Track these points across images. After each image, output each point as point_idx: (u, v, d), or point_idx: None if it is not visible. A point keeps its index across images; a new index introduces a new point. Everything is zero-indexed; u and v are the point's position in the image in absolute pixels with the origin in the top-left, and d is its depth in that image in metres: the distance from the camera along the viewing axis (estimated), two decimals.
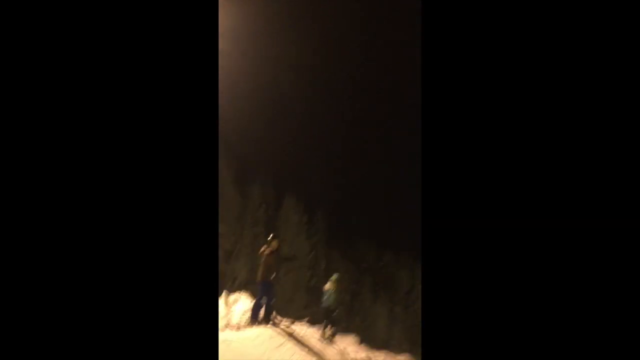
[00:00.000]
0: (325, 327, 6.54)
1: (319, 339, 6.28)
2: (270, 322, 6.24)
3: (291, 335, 5.89)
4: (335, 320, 6.67)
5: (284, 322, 6.67)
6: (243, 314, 6.31)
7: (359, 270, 36.71)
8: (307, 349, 5.24)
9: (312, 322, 7.42)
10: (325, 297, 6.64)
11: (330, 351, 5.57)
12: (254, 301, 6.56)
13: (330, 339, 6.44)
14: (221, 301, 6.61)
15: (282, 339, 5.35)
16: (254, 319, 6.23)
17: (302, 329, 6.48)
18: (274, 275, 6.26)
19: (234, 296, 7.37)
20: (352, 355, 6.13)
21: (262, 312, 6.34)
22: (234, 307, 6.61)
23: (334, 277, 6.85)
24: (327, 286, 6.73)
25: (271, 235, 6.53)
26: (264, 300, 6.32)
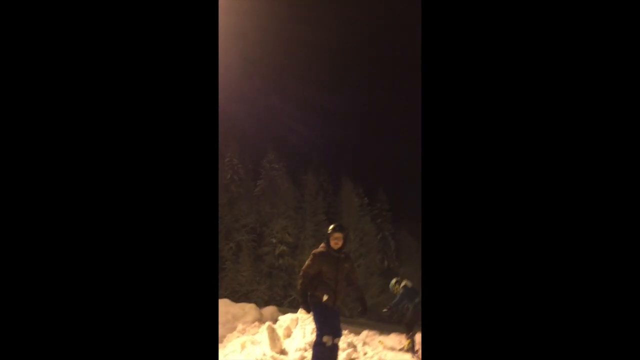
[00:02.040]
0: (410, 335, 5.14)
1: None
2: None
3: None
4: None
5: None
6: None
7: None
8: None
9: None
10: (398, 301, 5.39)
11: None
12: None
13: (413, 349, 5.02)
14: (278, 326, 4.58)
15: None
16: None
17: None
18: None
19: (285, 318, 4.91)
20: None
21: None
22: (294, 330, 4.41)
23: (396, 281, 5.58)
24: (397, 288, 5.49)
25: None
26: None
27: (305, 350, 3.74)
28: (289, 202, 22.40)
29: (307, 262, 2.85)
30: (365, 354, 4.12)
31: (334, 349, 2.62)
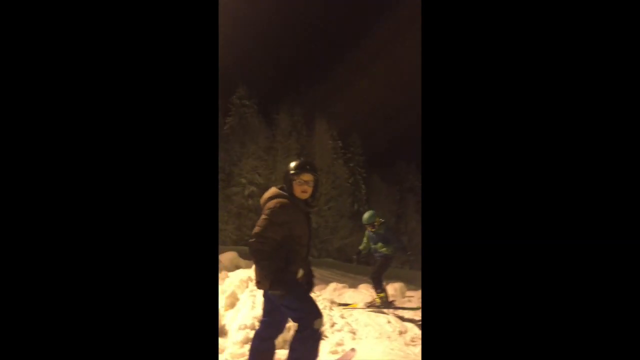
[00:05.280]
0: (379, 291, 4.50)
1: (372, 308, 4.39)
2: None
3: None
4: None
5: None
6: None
7: (402, 190, 35.77)
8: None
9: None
10: (369, 243, 4.59)
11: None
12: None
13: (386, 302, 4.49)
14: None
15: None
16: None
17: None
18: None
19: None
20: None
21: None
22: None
23: (369, 214, 4.52)
24: (369, 227, 4.50)
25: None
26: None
27: (253, 328, 2.54)
28: (260, 142, 21.45)
29: (264, 221, 1.73)
30: (332, 325, 3.22)
31: (318, 335, 1.78)
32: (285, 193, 1.83)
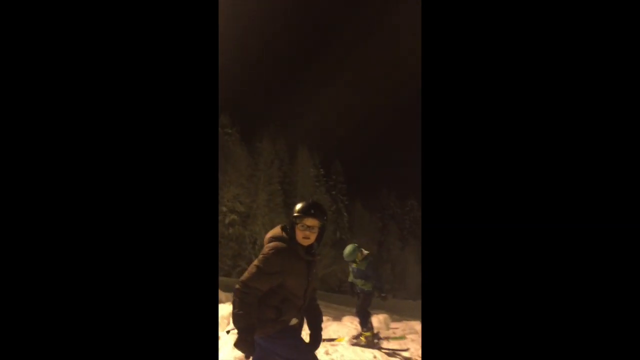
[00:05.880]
0: (365, 327, 4.29)
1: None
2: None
3: None
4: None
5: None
6: None
7: (384, 218, 35.91)
8: None
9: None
10: (352, 277, 4.45)
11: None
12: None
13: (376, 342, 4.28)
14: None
15: None
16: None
17: None
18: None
19: None
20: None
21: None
22: None
23: (350, 250, 4.28)
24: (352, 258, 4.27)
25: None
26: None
27: None
28: (242, 170, 21.32)
29: (253, 268, 1.55)
30: None
31: None
32: (286, 236, 1.64)
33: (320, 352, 3.39)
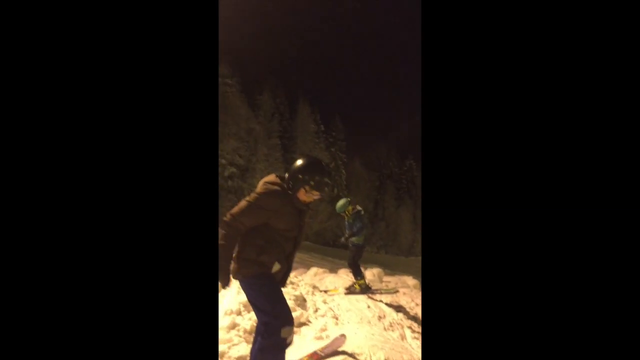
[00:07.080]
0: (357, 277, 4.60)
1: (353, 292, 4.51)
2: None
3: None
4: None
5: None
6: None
7: (382, 177, 36.15)
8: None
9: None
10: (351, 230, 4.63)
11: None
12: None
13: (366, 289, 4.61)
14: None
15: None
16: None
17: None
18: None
19: None
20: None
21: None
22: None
23: (341, 204, 4.64)
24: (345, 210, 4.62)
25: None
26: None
27: (239, 313, 2.55)
28: (241, 123, 21.12)
29: (243, 202, 1.59)
30: (316, 310, 3.22)
31: (284, 345, 1.61)
32: (284, 185, 1.65)
33: (318, 301, 3.61)
